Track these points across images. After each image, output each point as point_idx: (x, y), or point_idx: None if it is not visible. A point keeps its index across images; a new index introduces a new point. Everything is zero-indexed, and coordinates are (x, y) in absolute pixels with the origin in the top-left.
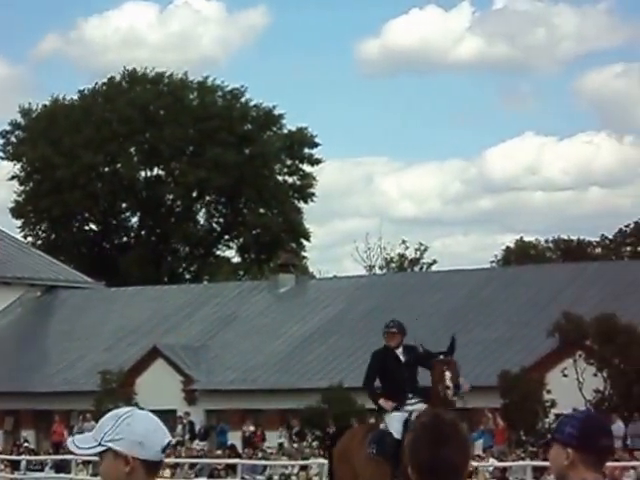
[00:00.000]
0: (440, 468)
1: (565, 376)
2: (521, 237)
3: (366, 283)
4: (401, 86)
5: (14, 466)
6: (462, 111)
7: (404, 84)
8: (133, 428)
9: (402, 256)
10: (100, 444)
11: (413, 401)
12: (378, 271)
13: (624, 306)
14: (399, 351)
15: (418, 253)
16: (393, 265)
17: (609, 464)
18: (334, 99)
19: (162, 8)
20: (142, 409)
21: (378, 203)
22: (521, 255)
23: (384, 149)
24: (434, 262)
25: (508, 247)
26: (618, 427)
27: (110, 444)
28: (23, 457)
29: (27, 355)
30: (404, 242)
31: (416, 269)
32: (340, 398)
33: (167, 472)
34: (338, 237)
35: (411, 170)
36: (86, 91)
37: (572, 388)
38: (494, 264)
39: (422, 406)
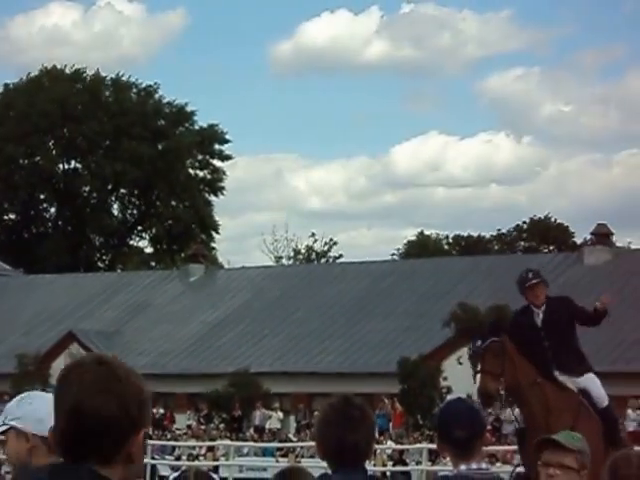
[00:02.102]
0: (346, 451)
1: (460, 364)
2: (422, 231)
3: (273, 273)
4: (311, 86)
5: None
6: (369, 111)
7: (314, 84)
8: (34, 407)
9: (310, 248)
10: (4, 423)
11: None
12: (285, 262)
13: (517, 297)
14: (542, 310)
15: (326, 247)
16: (300, 257)
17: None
18: (246, 98)
19: (86, 8)
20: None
21: (287, 197)
22: (421, 249)
23: (294, 146)
24: (340, 256)
25: (410, 241)
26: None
27: (12, 422)
28: None
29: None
30: (313, 235)
31: (322, 261)
32: (246, 382)
33: None
34: (249, 229)
35: (319, 166)
36: (10, 86)
37: (467, 375)
38: (395, 257)
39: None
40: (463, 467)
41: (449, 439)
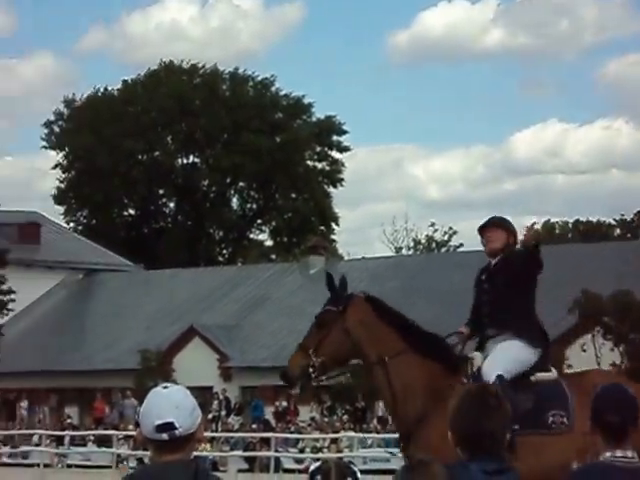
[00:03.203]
0: (482, 439)
1: (584, 351)
2: (549, 219)
3: (393, 263)
4: (429, 75)
5: (59, 441)
6: (487, 99)
7: (432, 73)
8: (142, 406)
9: (430, 238)
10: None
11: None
12: (405, 253)
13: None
14: (495, 261)
15: (446, 236)
16: (421, 247)
17: None
18: (364, 88)
19: (203, 3)
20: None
21: (406, 187)
22: (547, 236)
23: (412, 136)
24: (461, 245)
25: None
26: None
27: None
28: (67, 432)
29: (70, 335)
30: (433, 224)
31: (443, 251)
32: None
33: (208, 446)
34: (368, 220)
35: (438, 155)
36: (128, 81)
37: (590, 362)
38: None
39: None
40: (608, 454)
41: (601, 424)
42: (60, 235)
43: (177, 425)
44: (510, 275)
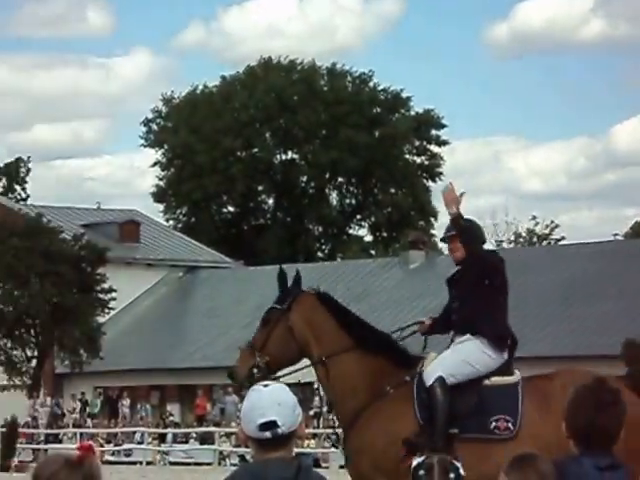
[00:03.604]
0: (596, 433)
1: None
2: None
3: None
4: (528, 67)
5: (161, 439)
6: (587, 90)
7: (531, 65)
8: (244, 404)
9: (531, 231)
10: None
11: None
12: (506, 246)
13: None
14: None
15: (548, 229)
16: (522, 240)
17: None
18: (462, 81)
19: None
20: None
21: (506, 180)
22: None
23: (512, 128)
24: (562, 238)
25: (638, 222)
26: None
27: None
28: (169, 430)
29: (171, 333)
30: (534, 217)
31: (544, 244)
32: None
33: (312, 442)
34: (468, 214)
35: (538, 148)
36: (227, 78)
37: None
38: (617, 237)
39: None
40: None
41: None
42: (160, 233)
43: (280, 423)
44: (472, 281)
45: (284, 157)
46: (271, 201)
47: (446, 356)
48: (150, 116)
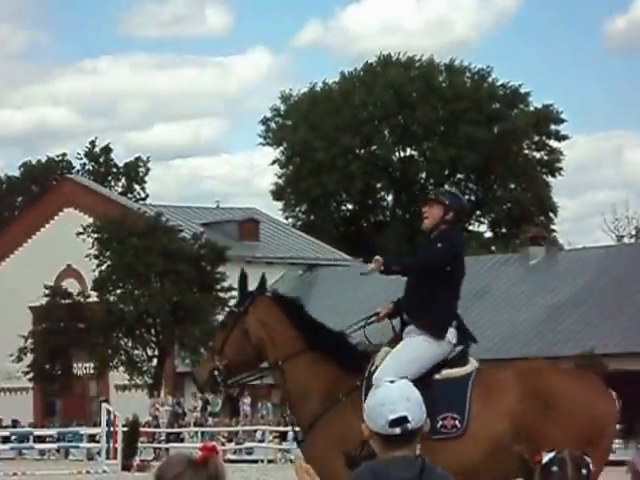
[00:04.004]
0: None
1: None
2: None
3: (614, 253)
4: None
5: (282, 437)
6: None
7: None
8: (369, 400)
9: None
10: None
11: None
12: (627, 241)
13: None
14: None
15: None
16: None
17: None
18: (581, 76)
19: None
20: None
21: (627, 175)
22: None
23: (633, 123)
24: None
25: None
26: None
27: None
28: (290, 428)
29: None
30: None
31: None
32: (593, 364)
33: None
34: (589, 209)
35: None
36: (345, 75)
37: None
38: None
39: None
40: None
41: None
42: (279, 231)
43: (410, 419)
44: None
45: (403, 154)
46: (390, 198)
47: (393, 357)
48: (269, 114)
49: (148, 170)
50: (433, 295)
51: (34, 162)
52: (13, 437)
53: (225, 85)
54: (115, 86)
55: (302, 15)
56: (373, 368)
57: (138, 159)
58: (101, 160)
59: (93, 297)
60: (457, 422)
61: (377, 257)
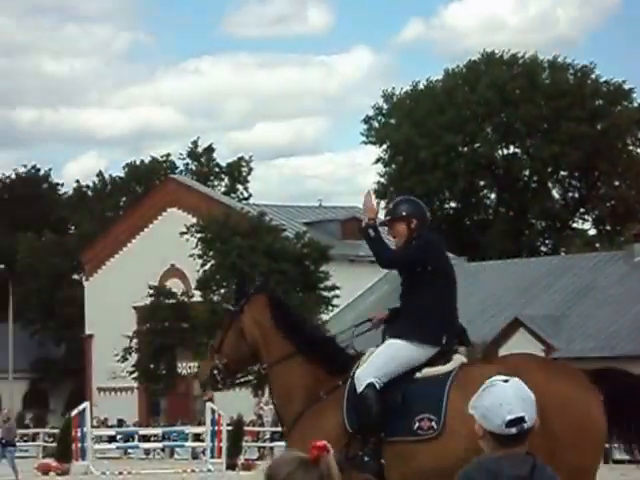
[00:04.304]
0: None
1: None
2: None
3: None
4: None
5: None
6: None
7: None
8: (483, 399)
9: None
10: (470, 408)
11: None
12: None
13: None
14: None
15: None
16: None
17: None
18: None
19: None
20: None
21: None
22: None
23: None
24: None
25: None
26: None
27: (472, 411)
28: None
29: None
30: None
31: None
32: None
33: None
34: None
35: None
36: (449, 72)
37: None
38: None
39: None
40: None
41: None
42: (382, 230)
43: (526, 419)
44: (404, 270)
45: (506, 152)
46: (493, 196)
47: (377, 355)
48: (371, 113)
49: (251, 170)
50: (420, 299)
51: (138, 162)
52: (119, 436)
53: (327, 84)
54: (218, 86)
55: (404, 13)
56: (356, 369)
57: (241, 159)
58: (203, 160)
59: (197, 297)
60: (433, 423)
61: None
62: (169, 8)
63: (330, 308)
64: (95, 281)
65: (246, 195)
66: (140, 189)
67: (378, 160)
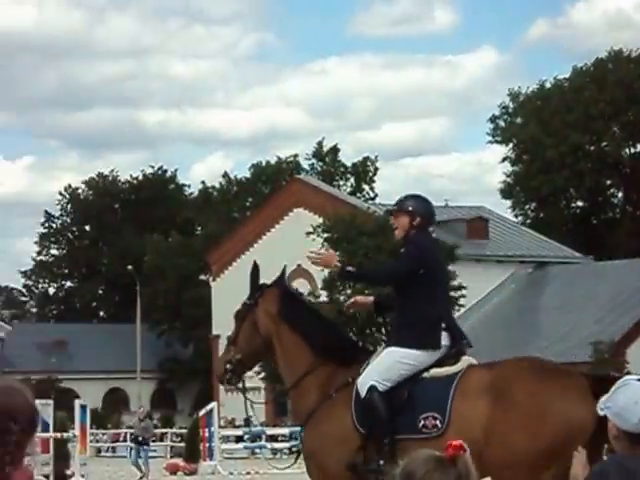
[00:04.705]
0: None
1: None
2: None
3: None
4: None
5: None
6: None
7: None
8: (617, 398)
9: None
10: (600, 408)
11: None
12: None
13: None
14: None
15: None
16: None
17: None
18: None
19: None
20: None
21: None
22: None
23: None
24: None
25: None
26: None
27: (604, 411)
28: None
29: (520, 329)
30: None
31: None
32: None
33: None
34: None
35: None
36: (577, 70)
37: None
38: None
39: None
40: None
41: None
42: (508, 229)
43: None
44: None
45: (633, 150)
46: (620, 195)
47: (379, 362)
48: (497, 112)
49: (376, 169)
50: (414, 304)
51: (263, 163)
52: (246, 436)
53: (452, 84)
54: (344, 86)
55: (529, 12)
56: (362, 370)
57: (366, 159)
58: (328, 160)
59: (323, 297)
60: (438, 422)
61: (333, 255)
62: (295, 9)
63: (457, 307)
64: (222, 282)
65: (372, 195)
66: (266, 190)
67: (504, 159)
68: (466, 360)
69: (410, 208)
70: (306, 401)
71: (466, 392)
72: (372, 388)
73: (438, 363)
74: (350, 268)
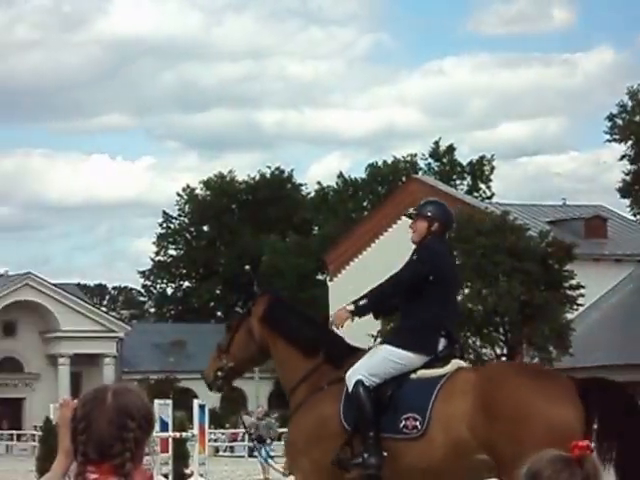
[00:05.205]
0: None
1: None
2: None
3: None
4: None
5: None
6: None
7: None
8: None
9: None
10: None
11: None
12: None
13: None
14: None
15: None
16: None
17: None
18: None
19: None
20: None
21: None
22: None
23: None
24: None
25: None
26: None
27: None
28: None
29: (638, 329)
30: None
31: None
32: None
33: None
34: None
35: None
36: None
37: None
38: None
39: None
40: None
41: None
42: (627, 228)
43: None
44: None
45: None
46: None
47: (369, 357)
48: (615, 110)
49: (493, 168)
50: (418, 309)
51: (380, 163)
52: None
53: (570, 82)
54: (460, 86)
55: None
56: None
57: (482, 158)
58: (445, 160)
59: None
60: (418, 423)
61: (341, 309)
62: (410, 10)
63: (575, 307)
64: (339, 281)
65: (488, 194)
66: (381, 190)
67: (622, 157)
68: (455, 363)
69: (429, 214)
70: (296, 398)
71: (449, 394)
72: (359, 382)
73: (427, 365)
74: (362, 302)
